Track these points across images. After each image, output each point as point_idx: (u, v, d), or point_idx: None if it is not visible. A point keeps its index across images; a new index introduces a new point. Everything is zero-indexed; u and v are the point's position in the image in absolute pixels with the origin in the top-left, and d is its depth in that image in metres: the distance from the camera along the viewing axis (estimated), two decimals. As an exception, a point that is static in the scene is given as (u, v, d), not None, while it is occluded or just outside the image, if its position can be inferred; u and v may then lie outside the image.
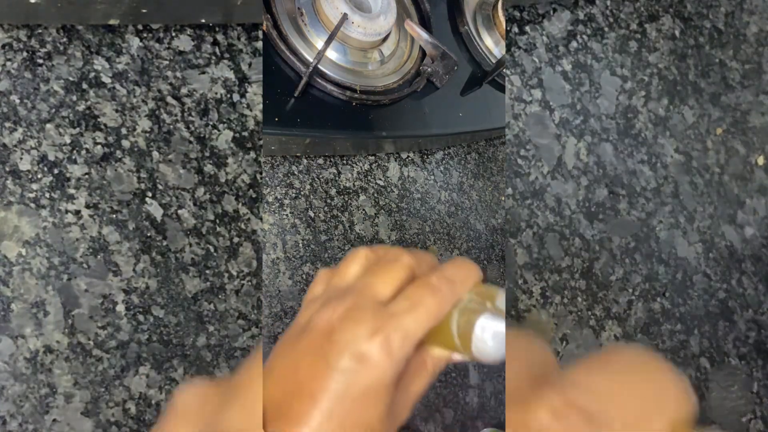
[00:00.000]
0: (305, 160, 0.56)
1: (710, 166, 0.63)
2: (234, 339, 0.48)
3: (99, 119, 0.47)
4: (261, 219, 0.49)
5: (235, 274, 0.48)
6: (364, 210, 0.58)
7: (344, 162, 0.58)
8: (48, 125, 0.45)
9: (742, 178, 0.64)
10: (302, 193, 0.55)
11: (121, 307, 0.46)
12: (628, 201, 0.59)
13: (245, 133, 0.49)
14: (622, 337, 0.57)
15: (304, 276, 0.54)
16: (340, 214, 0.57)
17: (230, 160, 0.49)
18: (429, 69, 0.55)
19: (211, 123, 0.49)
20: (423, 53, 0.57)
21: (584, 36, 0.61)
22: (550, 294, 0.57)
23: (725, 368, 0.65)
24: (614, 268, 0.58)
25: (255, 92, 0.50)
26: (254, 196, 0.49)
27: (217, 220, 0.48)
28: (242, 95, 0.50)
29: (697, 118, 0.64)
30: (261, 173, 0.50)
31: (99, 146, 0.46)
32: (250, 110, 0.49)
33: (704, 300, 0.62)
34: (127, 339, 0.46)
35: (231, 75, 0.50)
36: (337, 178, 0.57)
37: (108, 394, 0.45)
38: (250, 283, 0.48)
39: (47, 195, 0.45)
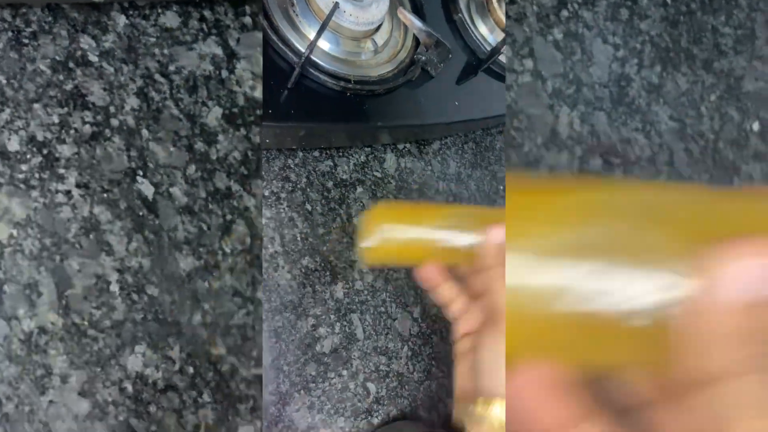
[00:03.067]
0: (301, 153, 0.55)
1: (705, 132, 0.63)
2: (230, 316, 0.47)
3: (87, 98, 0.46)
4: (254, 196, 0.49)
5: (229, 251, 0.48)
6: (361, 202, 0.58)
7: (340, 154, 0.57)
8: (35, 105, 0.45)
9: (738, 145, 0.63)
10: (299, 186, 0.55)
11: (115, 287, 0.46)
12: (623, 170, 0.59)
13: (235, 110, 0.49)
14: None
15: (303, 269, 0.54)
16: (337, 206, 0.56)
17: (221, 137, 0.48)
18: (423, 57, 0.55)
19: (200, 100, 0.48)
20: (417, 42, 0.57)
21: (575, 4, 0.60)
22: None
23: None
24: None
25: (243, 68, 0.49)
26: (246, 173, 0.49)
27: (209, 198, 0.48)
28: (231, 71, 0.49)
29: (691, 84, 0.64)
30: (254, 149, 0.49)
31: (87, 125, 0.46)
32: (240, 86, 0.49)
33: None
34: (122, 318, 0.46)
35: (219, 51, 0.49)
36: (333, 171, 0.57)
37: (104, 374, 0.45)
38: (244, 260, 0.48)
39: (37, 175, 0.45)
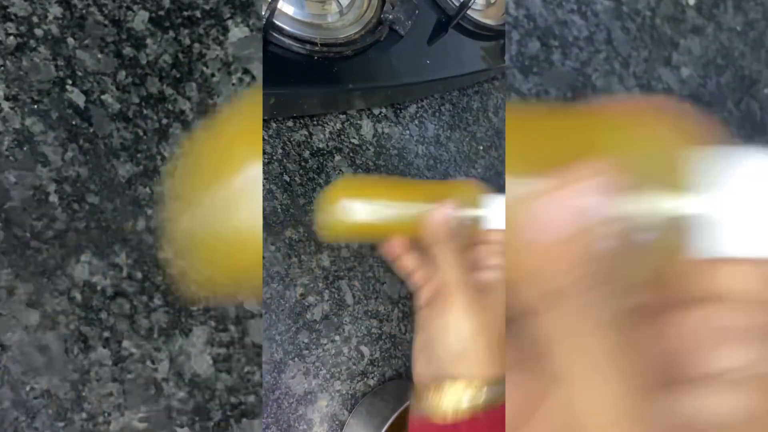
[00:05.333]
0: (274, 124, 0.54)
1: (641, 10, 0.61)
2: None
3: (8, 9, 0.45)
4: (189, 99, 0.48)
5: (167, 155, 0.47)
6: (341, 170, 0.57)
7: (315, 123, 0.56)
8: (-46, 18, 0.44)
9: (675, 20, 0.61)
10: (275, 157, 0.54)
11: (54, 197, 0.45)
12: (562, 52, 0.57)
13: (161, 12, 0.48)
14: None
15: (287, 240, 0.53)
16: (316, 176, 0.55)
17: (149, 41, 0.48)
18: (390, 16, 0.54)
19: (124, 4, 0.47)
20: (383, 2, 0.56)
21: None
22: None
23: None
24: (555, 119, 0.56)
25: (167, -30, 0.48)
26: (178, 75, 0.48)
27: (143, 103, 0.47)
28: (154, -26, 0.48)
29: (627, -40, 0.62)
30: (185, 51, 0.48)
31: (11, 37, 0.45)
32: (164, -12, 0.48)
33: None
34: (64, 228, 0.45)
35: (139, -47, 0.48)
36: (309, 140, 0.56)
37: (51, 285, 0.45)
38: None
39: (-36, 90, 0.44)
